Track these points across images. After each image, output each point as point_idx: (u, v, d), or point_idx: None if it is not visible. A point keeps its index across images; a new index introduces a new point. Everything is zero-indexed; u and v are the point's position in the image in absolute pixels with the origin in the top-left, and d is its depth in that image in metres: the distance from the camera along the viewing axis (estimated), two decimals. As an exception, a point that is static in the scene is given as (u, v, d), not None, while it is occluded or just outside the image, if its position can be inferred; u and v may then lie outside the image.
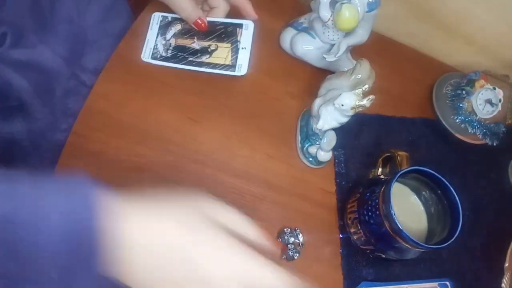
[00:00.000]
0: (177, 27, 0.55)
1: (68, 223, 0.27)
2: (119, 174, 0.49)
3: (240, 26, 0.54)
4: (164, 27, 0.55)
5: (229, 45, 0.53)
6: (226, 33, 0.54)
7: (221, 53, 0.53)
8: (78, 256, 0.27)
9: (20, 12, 0.42)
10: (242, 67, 0.52)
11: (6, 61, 0.44)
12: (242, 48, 0.53)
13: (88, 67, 0.54)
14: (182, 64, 0.53)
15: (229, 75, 0.53)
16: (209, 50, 0.53)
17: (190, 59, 0.53)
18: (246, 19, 0.54)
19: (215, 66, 0.53)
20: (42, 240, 0.26)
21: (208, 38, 0.54)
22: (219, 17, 0.55)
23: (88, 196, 0.29)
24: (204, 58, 0.53)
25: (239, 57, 0.53)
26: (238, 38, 0.53)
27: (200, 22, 0.52)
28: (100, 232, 0.27)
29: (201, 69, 0.53)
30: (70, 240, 0.27)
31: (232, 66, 0.52)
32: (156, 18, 0.56)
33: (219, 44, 0.54)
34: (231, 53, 0.53)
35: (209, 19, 0.54)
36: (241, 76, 0.53)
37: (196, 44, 0.54)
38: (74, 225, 0.27)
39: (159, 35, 0.55)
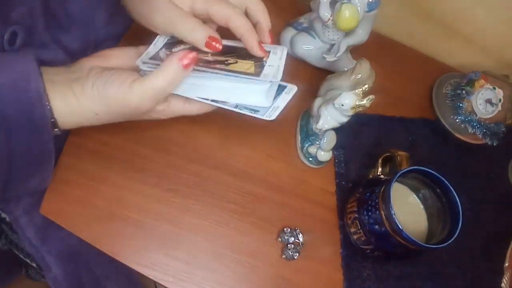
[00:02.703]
0: (188, 45, 0.46)
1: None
2: (119, 174, 0.49)
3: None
4: (171, 44, 0.47)
5: (252, 62, 0.45)
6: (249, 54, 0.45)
7: (242, 65, 0.44)
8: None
9: (30, 12, 0.42)
10: (269, 77, 0.42)
11: None
12: (269, 66, 0.43)
13: None
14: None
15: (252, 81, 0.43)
16: (225, 63, 0.44)
17: (200, 65, 0.44)
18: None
19: (234, 72, 0.43)
20: None
21: (226, 55, 0.45)
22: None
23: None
24: (219, 67, 0.44)
25: (265, 69, 0.43)
26: (265, 59, 0.44)
27: (211, 41, 0.42)
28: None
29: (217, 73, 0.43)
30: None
31: (256, 75, 0.43)
32: (162, 38, 0.47)
33: (239, 60, 0.45)
34: (255, 67, 0.44)
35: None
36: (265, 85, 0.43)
37: (211, 58, 0.45)
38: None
39: (164, 48, 0.47)
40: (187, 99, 0.44)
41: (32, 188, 0.42)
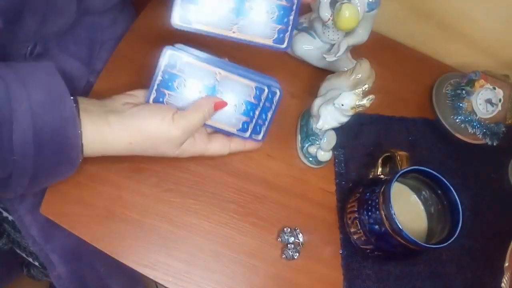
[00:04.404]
0: None
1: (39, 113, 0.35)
2: (119, 174, 0.49)
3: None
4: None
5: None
6: None
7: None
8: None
9: (52, 26, 0.43)
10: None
11: None
12: None
13: (97, 68, 0.54)
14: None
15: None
16: None
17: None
18: None
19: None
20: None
21: None
22: None
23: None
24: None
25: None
26: None
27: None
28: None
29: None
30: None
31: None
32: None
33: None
34: None
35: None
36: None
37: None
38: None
39: None
40: (209, 139, 0.48)
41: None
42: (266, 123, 0.49)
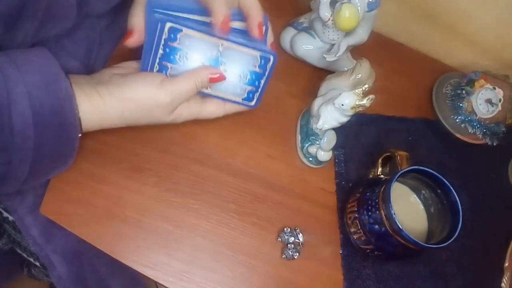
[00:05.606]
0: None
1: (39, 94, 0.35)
2: (119, 174, 0.49)
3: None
4: None
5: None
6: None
7: None
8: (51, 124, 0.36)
9: (51, 30, 0.43)
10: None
11: None
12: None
13: (95, 68, 0.54)
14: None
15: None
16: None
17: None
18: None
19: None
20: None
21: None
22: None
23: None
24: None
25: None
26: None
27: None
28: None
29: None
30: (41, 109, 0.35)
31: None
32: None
33: None
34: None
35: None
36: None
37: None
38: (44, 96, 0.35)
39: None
40: (203, 100, 0.48)
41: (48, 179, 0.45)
42: (260, 89, 0.50)
